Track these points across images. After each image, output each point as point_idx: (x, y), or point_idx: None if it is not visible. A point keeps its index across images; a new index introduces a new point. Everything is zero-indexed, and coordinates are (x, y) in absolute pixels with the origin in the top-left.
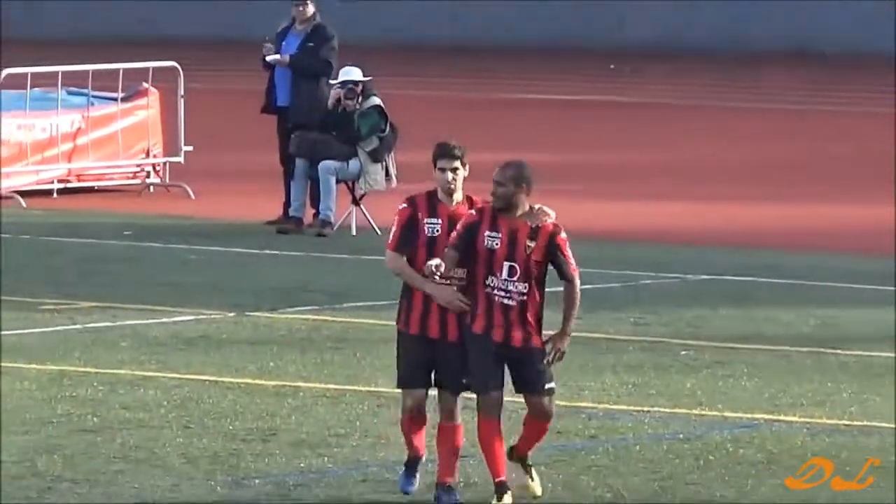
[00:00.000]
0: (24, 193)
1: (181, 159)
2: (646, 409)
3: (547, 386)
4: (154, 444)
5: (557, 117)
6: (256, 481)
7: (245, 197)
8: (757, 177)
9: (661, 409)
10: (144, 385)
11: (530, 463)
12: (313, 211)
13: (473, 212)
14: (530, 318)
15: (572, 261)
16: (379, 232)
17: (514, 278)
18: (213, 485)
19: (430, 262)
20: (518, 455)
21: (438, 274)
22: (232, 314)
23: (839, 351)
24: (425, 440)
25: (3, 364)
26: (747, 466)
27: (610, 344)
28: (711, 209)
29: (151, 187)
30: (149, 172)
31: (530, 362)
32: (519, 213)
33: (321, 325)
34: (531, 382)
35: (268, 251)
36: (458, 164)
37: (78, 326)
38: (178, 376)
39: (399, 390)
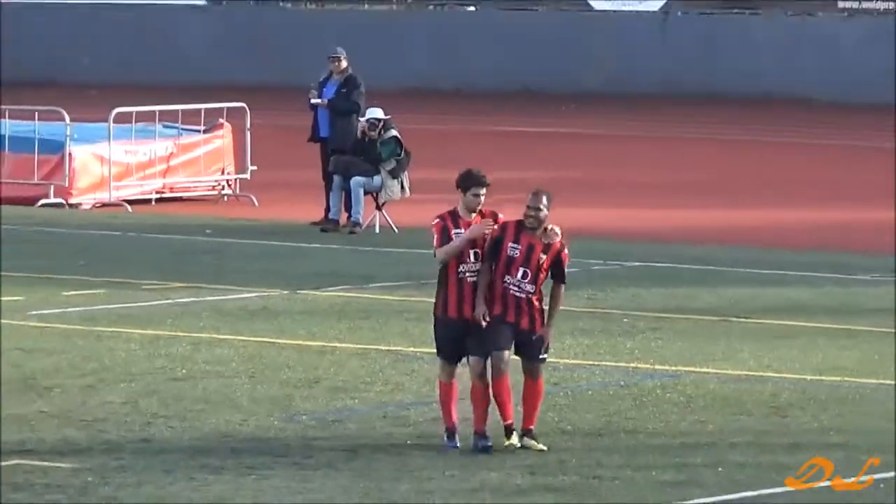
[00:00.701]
0: (130, 202)
1: (248, 176)
2: (596, 363)
3: (541, 356)
4: (228, 389)
5: (526, 144)
6: (304, 417)
7: (296, 204)
8: (679, 192)
9: (608, 363)
10: (220, 345)
11: (535, 435)
12: (346, 214)
13: (496, 227)
14: (534, 309)
15: (566, 271)
16: (396, 230)
17: (526, 280)
18: (272, 420)
19: (477, 313)
20: (525, 429)
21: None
22: (286, 292)
23: (742, 319)
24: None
25: (114, 329)
26: (671, 406)
27: (569, 314)
28: (648, 214)
29: (226, 197)
30: (224, 186)
31: (531, 340)
32: (539, 232)
33: (353, 300)
34: (530, 353)
35: (313, 244)
36: (485, 190)
37: (170, 301)
38: (245, 339)
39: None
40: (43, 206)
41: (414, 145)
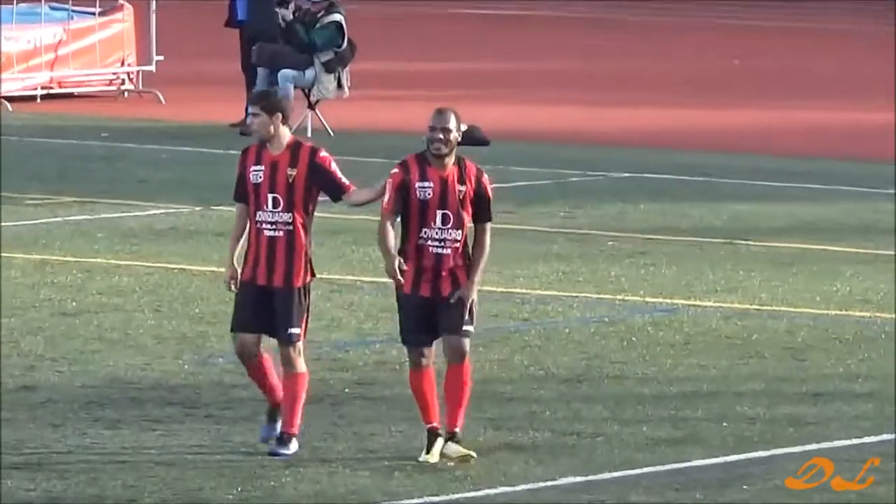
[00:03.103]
0: (10, 99)
1: (153, 68)
2: (574, 294)
3: (464, 327)
4: (127, 326)
5: (493, 28)
6: (220, 360)
7: (210, 102)
8: (675, 86)
9: (588, 295)
10: (119, 273)
11: (460, 439)
12: None
13: (397, 169)
14: (459, 266)
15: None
16: (332, 134)
17: (448, 226)
18: (182, 363)
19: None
20: (448, 432)
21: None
22: (199, 208)
23: (749, 242)
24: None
25: None
26: (666, 347)
27: (540, 235)
28: (634, 114)
29: (126, 93)
30: (124, 80)
31: (448, 304)
32: (451, 160)
33: None
34: (448, 322)
35: (231, 151)
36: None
37: (59, 219)
38: (149, 265)
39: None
40: None
41: (357, 31)
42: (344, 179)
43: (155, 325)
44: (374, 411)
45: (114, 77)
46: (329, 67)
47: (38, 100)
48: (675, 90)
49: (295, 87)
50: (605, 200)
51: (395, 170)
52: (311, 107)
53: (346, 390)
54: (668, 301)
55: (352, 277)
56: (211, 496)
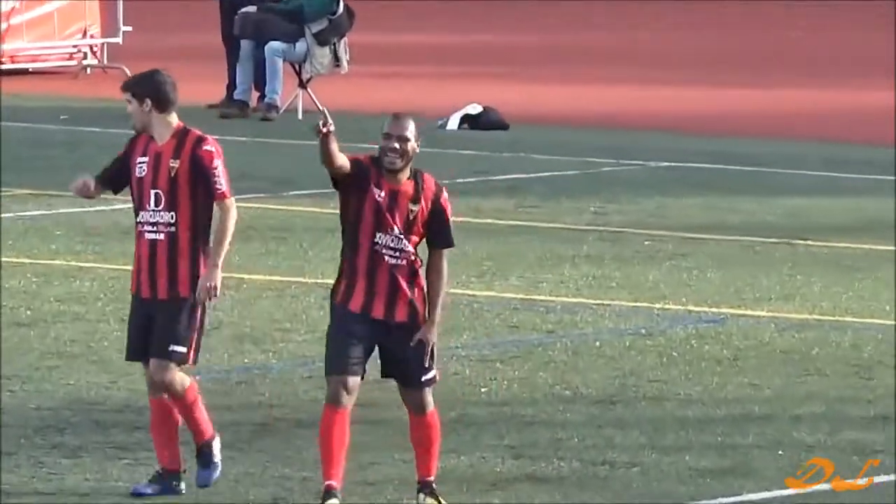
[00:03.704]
0: None
1: (119, 40)
2: (606, 302)
3: (424, 376)
4: (90, 338)
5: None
6: (197, 377)
7: (186, 80)
8: (721, 63)
9: (623, 303)
10: (80, 276)
11: (435, 490)
12: (258, 94)
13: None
14: (418, 287)
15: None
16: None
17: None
18: None
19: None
20: (419, 481)
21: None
22: None
23: (809, 241)
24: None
25: None
26: (712, 363)
27: (568, 234)
28: (676, 94)
29: (89, 69)
30: (86, 54)
31: (406, 348)
32: (406, 173)
33: (264, 213)
34: (406, 370)
35: (210, 136)
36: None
37: (11, 215)
38: (116, 267)
39: None
40: None
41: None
42: (221, 183)
43: (122, 336)
44: (375, 436)
45: (74, 51)
46: (322, 39)
47: None
48: (722, 67)
49: (284, 62)
50: (642, 194)
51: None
52: (303, 85)
53: None
54: (715, 310)
55: None
56: None
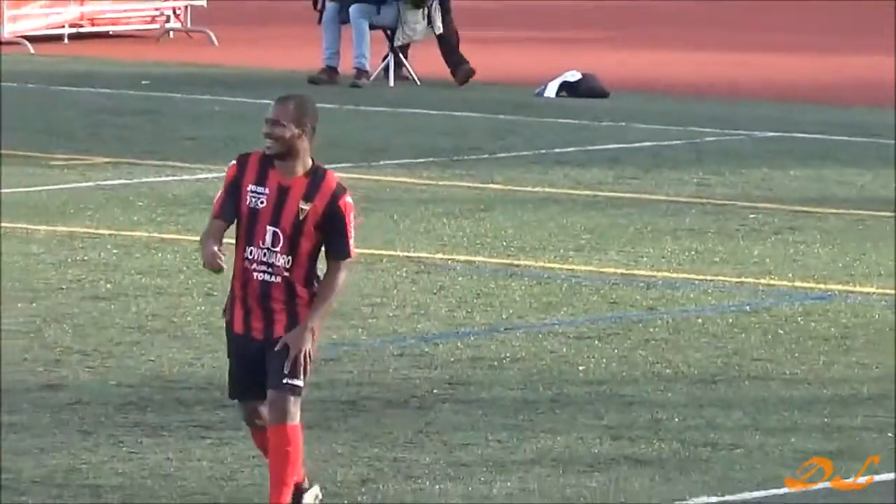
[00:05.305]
0: (32, 39)
1: (204, 2)
2: (709, 277)
3: (285, 380)
4: (173, 312)
5: None
6: None
7: (271, 44)
8: (831, 29)
9: (726, 278)
10: (162, 248)
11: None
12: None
13: (234, 162)
14: (297, 303)
15: (352, 238)
16: (419, 83)
17: (277, 248)
18: None
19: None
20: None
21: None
22: None
23: None
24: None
25: (7, 225)
26: (819, 342)
27: (670, 206)
28: (783, 61)
29: (171, 33)
30: (168, 17)
31: (273, 352)
32: (299, 166)
33: (355, 183)
34: (271, 372)
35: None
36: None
37: (90, 184)
38: (198, 239)
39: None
40: None
41: None
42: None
43: (206, 311)
44: (468, 416)
45: (156, 13)
46: (415, 1)
47: (66, 40)
48: (832, 32)
49: (372, 29)
50: (748, 165)
51: (233, 162)
52: (395, 52)
53: (435, 391)
54: (822, 286)
55: (442, 256)
56: None
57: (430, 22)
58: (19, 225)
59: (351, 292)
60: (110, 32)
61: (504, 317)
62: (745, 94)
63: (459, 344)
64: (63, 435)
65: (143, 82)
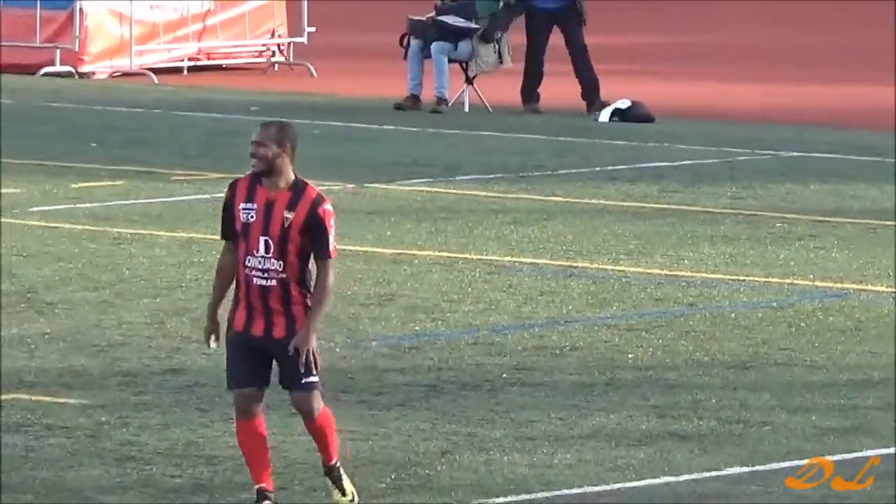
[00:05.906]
0: (156, 70)
1: (304, 39)
2: (741, 278)
3: (304, 380)
4: None
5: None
6: (373, 343)
7: (364, 75)
8: (846, 61)
9: (756, 279)
10: None
11: (338, 474)
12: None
13: (227, 189)
14: (293, 304)
15: (333, 241)
16: (490, 109)
17: (270, 254)
18: (333, 346)
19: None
20: (325, 465)
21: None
22: (351, 186)
23: None
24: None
25: (135, 231)
26: (836, 333)
27: (707, 216)
28: (805, 90)
29: (276, 66)
30: (274, 52)
31: (286, 356)
32: (282, 181)
33: (435, 196)
34: (288, 376)
35: (385, 126)
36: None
37: (206, 196)
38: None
39: None
40: (46, 75)
41: None
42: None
43: None
44: (533, 397)
45: (263, 49)
46: (486, 37)
47: (185, 72)
48: (846, 65)
49: (450, 62)
50: (774, 181)
51: (226, 189)
52: (469, 81)
53: (504, 375)
54: (839, 286)
55: (510, 259)
56: (363, 483)
57: (500, 56)
58: (146, 231)
59: (431, 290)
60: (224, 65)
61: (564, 311)
62: (771, 119)
63: (525, 335)
64: (183, 412)
65: (252, 108)
